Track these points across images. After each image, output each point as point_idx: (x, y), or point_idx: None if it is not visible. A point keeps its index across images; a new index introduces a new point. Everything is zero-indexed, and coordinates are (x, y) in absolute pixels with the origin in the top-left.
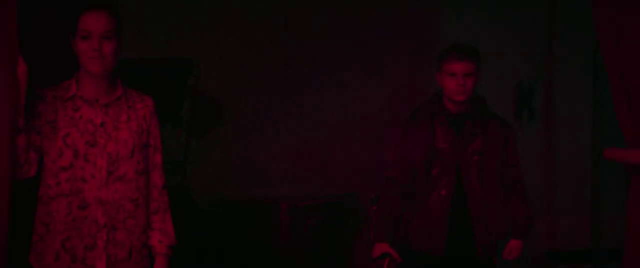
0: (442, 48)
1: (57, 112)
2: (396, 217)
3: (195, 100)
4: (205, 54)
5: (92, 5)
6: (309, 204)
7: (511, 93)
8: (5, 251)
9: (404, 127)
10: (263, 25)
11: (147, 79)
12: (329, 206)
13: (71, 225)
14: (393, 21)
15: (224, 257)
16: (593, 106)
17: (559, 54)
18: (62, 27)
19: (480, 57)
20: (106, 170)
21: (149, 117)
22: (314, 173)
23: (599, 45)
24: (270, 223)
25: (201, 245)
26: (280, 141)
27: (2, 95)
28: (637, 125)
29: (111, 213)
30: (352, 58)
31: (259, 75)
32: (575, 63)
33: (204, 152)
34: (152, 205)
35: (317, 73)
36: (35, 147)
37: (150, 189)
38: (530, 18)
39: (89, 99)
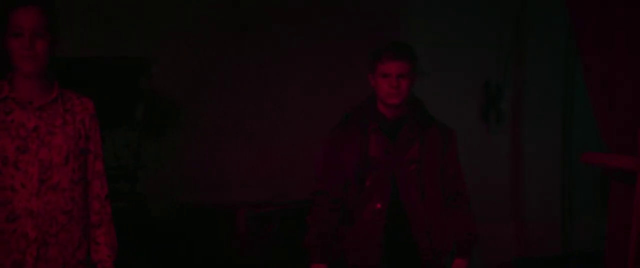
0: (375, 48)
1: None
2: (330, 233)
3: (150, 101)
4: (161, 53)
5: (23, 1)
6: (269, 210)
7: (478, 94)
8: None
9: (334, 134)
10: (221, 23)
11: (96, 79)
12: (290, 212)
13: None
14: (357, 20)
15: None
16: (563, 107)
17: (528, 54)
18: None
19: (417, 57)
20: (38, 179)
21: (88, 120)
22: (275, 177)
23: (578, 47)
24: (228, 231)
25: (155, 256)
26: (239, 144)
27: None
28: (618, 131)
29: (42, 227)
30: (314, 57)
31: (217, 76)
32: (546, 63)
33: (158, 156)
34: (93, 217)
35: (277, 73)
36: None
37: (91, 200)
38: (499, 16)
39: (21, 102)
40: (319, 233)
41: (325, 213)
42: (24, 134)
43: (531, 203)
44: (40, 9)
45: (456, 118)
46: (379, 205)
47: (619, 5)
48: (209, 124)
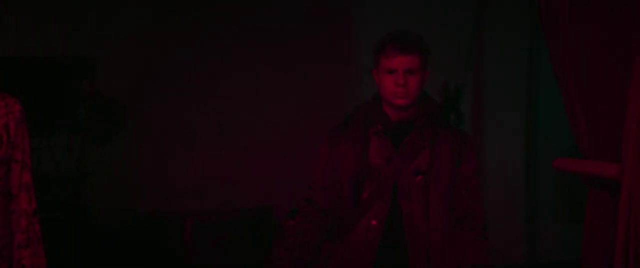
0: (379, 38)
1: None
2: (314, 249)
3: (94, 103)
4: (106, 53)
5: None
6: (218, 220)
7: (436, 95)
8: None
9: (333, 135)
10: (169, 23)
11: (34, 80)
12: (240, 221)
13: None
14: (312, 18)
15: None
16: (527, 110)
17: (489, 53)
18: None
19: (430, 49)
20: None
21: (13, 126)
22: (226, 184)
23: (548, 40)
24: (176, 241)
25: None
26: (188, 150)
27: None
28: (595, 136)
29: None
30: (267, 57)
31: (165, 78)
32: (508, 62)
33: (103, 162)
34: (19, 236)
35: (228, 74)
36: None
37: (17, 217)
38: (457, 14)
39: None
40: (292, 244)
41: (307, 224)
42: None
43: (492, 211)
44: None
45: None
46: (374, 222)
47: None
48: (157, 128)
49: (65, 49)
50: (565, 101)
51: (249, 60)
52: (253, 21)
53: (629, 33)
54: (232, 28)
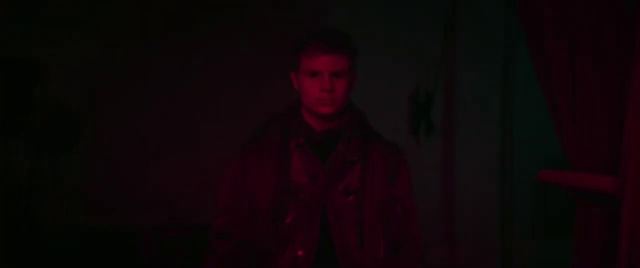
0: (300, 35)
1: None
2: None
3: (46, 110)
4: (60, 57)
5: None
6: (176, 235)
7: (406, 104)
8: None
9: (245, 151)
10: (127, 28)
11: None
12: (199, 237)
13: None
14: (275, 21)
15: None
16: (502, 118)
17: (461, 59)
18: None
19: (358, 50)
20: None
21: None
22: (186, 198)
23: (530, 41)
24: (133, 257)
25: None
26: (146, 162)
27: None
28: (585, 148)
29: None
30: (228, 63)
31: (122, 86)
32: (481, 69)
33: (56, 174)
34: None
35: (188, 83)
36: None
37: None
38: (427, 16)
39: None
40: None
41: (227, 259)
42: None
43: (466, 225)
44: None
45: (381, 131)
46: (301, 252)
47: None
48: (113, 137)
49: (14, 50)
50: (552, 110)
51: (211, 70)
52: (215, 29)
53: (619, 36)
54: (193, 36)
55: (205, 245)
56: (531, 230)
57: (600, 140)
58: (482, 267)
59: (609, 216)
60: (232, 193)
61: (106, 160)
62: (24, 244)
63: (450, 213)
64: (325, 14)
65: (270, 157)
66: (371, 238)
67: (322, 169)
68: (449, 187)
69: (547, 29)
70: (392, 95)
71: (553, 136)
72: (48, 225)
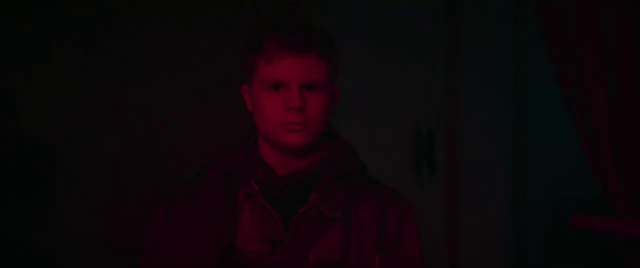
0: (254, 32)
1: None
2: None
3: (17, 146)
4: (28, 88)
5: None
6: None
7: (407, 143)
8: None
9: (170, 204)
10: (102, 58)
11: None
12: None
13: None
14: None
15: None
16: (512, 156)
17: (466, 94)
18: None
19: (339, 50)
20: None
21: None
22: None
23: (564, 96)
24: None
25: None
26: (127, 201)
27: None
28: (632, 190)
29: None
30: (217, 94)
31: (96, 115)
32: (487, 104)
33: (30, 217)
34: None
35: (171, 114)
36: None
37: None
38: (429, 51)
39: None
40: None
41: None
42: None
43: None
44: None
45: (381, 172)
46: None
47: None
48: (89, 175)
49: None
50: (587, 151)
51: (194, 103)
52: (194, 47)
53: None
54: (176, 67)
55: None
56: None
57: None
58: None
59: None
60: (151, 251)
61: (83, 200)
62: None
63: (454, 260)
64: None
65: (205, 212)
66: None
67: (285, 232)
68: (453, 233)
69: (587, 74)
70: (393, 134)
71: (567, 176)
72: None
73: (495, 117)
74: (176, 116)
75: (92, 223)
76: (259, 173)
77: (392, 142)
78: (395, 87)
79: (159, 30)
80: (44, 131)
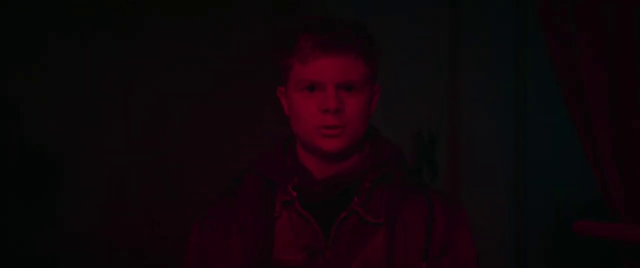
0: (291, 29)
1: None
2: None
3: (20, 152)
4: (30, 94)
5: None
6: None
7: (408, 146)
8: None
9: (206, 215)
10: (105, 62)
11: None
12: None
13: None
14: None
15: None
16: (514, 159)
17: (466, 97)
18: None
19: (378, 47)
20: None
21: None
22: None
23: (564, 96)
24: None
25: None
26: (125, 203)
27: None
28: (634, 194)
29: None
30: (224, 97)
31: (96, 116)
32: (488, 106)
33: (32, 224)
34: None
35: (175, 121)
36: None
37: None
38: (429, 53)
39: None
40: None
41: None
42: None
43: None
44: None
45: None
46: None
47: None
48: (91, 182)
49: None
50: (587, 151)
51: (201, 110)
52: (193, 55)
53: None
54: (178, 69)
55: None
56: None
57: None
58: None
59: None
60: (190, 264)
61: (87, 208)
62: None
63: None
64: None
65: (241, 221)
66: None
67: (324, 240)
68: None
69: (588, 86)
70: (393, 136)
71: (569, 179)
72: None
73: (497, 120)
74: (177, 117)
75: (93, 224)
76: (297, 179)
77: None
78: (395, 89)
79: (159, 31)
80: (44, 132)
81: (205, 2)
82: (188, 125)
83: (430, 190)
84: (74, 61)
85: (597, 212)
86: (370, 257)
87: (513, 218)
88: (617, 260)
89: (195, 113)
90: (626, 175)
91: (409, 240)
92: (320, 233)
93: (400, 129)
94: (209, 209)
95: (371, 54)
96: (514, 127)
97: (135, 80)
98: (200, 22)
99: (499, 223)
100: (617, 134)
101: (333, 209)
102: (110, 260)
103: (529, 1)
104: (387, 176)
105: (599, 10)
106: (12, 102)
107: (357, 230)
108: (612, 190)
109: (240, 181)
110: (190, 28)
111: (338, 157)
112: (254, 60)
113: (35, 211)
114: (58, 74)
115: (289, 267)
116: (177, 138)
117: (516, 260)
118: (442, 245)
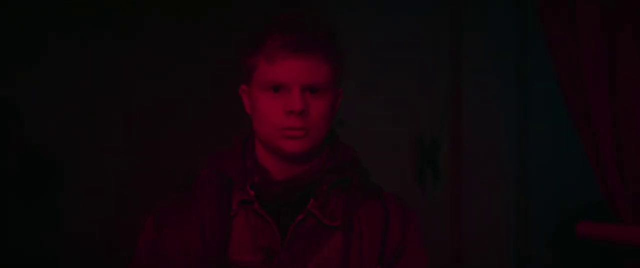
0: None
1: None
2: None
3: (21, 153)
4: (31, 94)
5: None
6: None
7: (410, 150)
8: None
9: (161, 213)
10: (106, 62)
11: None
12: None
13: None
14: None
15: None
16: (516, 163)
17: (468, 101)
18: None
19: (343, 51)
20: None
21: None
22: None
23: (564, 94)
24: None
25: None
26: (125, 203)
27: None
28: (635, 197)
29: None
30: (224, 100)
31: (96, 117)
32: (491, 110)
33: (33, 225)
34: None
35: (177, 123)
36: None
37: None
38: (431, 56)
39: None
40: None
41: None
42: None
43: None
44: None
45: (383, 180)
46: None
47: None
48: (93, 183)
49: None
50: (588, 152)
51: (204, 111)
52: (193, 55)
53: None
54: (169, 64)
55: None
56: None
57: None
58: None
59: None
60: (139, 263)
61: (88, 210)
62: None
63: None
64: None
65: (197, 220)
66: None
67: (281, 241)
68: (457, 240)
69: (588, 77)
70: (395, 141)
71: (571, 182)
72: None
73: (499, 124)
74: (177, 117)
75: (93, 224)
76: (255, 179)
77: (394, 148)
78: (397, 93)
79: (159, 31)
80: (44, 132)
81: (205, 2)
82: (188, 125)
83: (385, 194)
84: (74, 61)
85: (598, 214)
86: (326, 260)
87: (515, 221)
88: (618, 261)
89: (195, 113)
90: (628, 179)
91: (364, 244)
92: (277, 234)
93: (403, 133)
94: (163, 206)
95: (337, 58)
96: (517, 130)
97: (135, 80)
98: (200, 22)
99: (501, 226)
100: (619, 139)
101: (291, 211)
102: (110, 260)
103: (529, 2)
104: (345, 179)
105: (599, 9)
106: (12, 102)
107: (314, 232)
108: (614, 193)
109: (197, 177)
110: (190, 28)
111: (299, 158)
112: None
113: (36, 211)
114: (58, 74)
115: None
116: (177, 139)
117: (519, 262)
118: (396, 250)
